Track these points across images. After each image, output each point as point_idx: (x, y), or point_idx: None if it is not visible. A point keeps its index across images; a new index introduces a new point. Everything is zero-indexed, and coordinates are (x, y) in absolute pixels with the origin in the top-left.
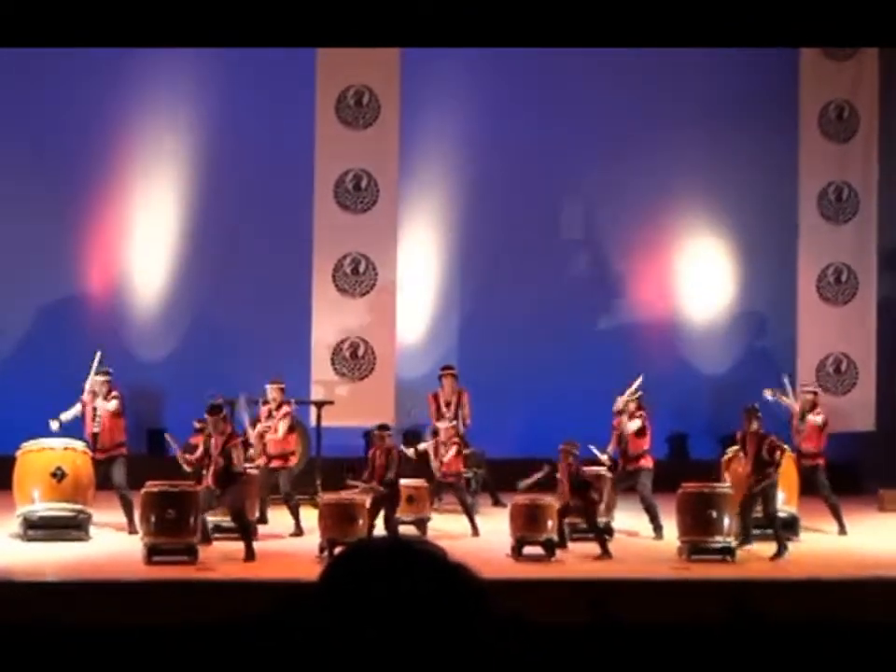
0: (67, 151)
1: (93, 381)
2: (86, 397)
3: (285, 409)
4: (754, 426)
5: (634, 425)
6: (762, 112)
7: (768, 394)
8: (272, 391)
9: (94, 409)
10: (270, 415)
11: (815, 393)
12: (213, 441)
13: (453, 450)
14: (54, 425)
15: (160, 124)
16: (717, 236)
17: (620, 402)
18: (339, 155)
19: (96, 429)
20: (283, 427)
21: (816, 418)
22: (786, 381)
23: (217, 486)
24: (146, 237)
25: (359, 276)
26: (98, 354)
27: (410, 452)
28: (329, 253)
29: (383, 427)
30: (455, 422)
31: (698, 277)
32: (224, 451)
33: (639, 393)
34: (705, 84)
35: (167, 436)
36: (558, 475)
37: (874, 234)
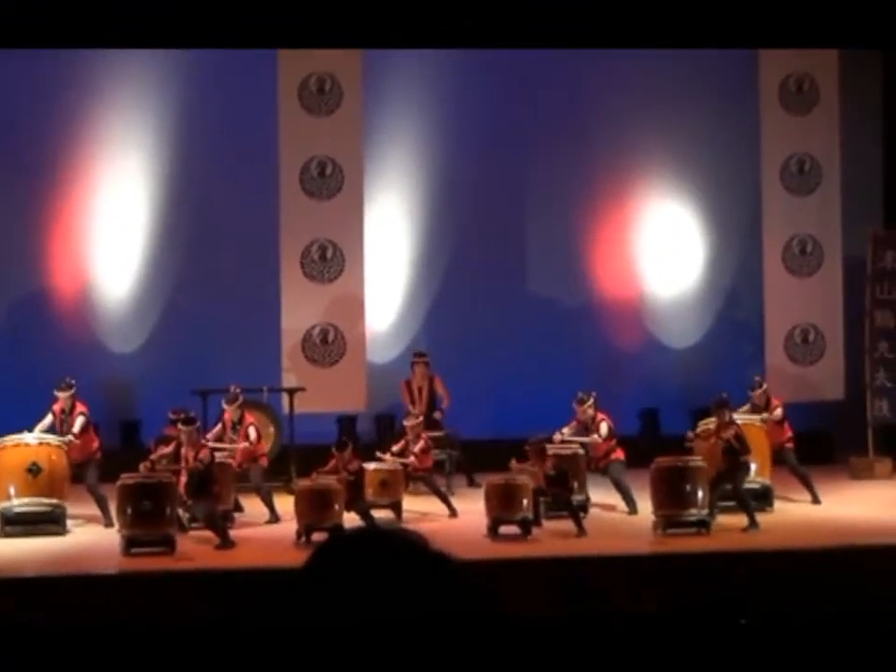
0: (30, 141)
1: (59, 398)
2: (55, 407)
3: (248, 421)
4: (726, 417)
5: (602, 431)
6: (722, 85)
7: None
8: (229, 411)
9: (62, 421)
10: (234, 429)
11: (765, 391)
12: (184, 451)
13: (420, 445)
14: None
15: (124, 115)
16: (682, 210)
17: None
18: (303, 142)
19: (69, 438)
20: (252, 433)
21: (774, 414)
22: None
23: (189, 497)
24: (112, 228)
25: (327, 262)
26: None
27: (387, 457)
28: (296, 240)
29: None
30: (420, 418)
31: (664, 251)
32: (196, 463)
33: (593, 396)
34: (666, 57)
35: None
36: (530, 463)
37: (837, 205)
